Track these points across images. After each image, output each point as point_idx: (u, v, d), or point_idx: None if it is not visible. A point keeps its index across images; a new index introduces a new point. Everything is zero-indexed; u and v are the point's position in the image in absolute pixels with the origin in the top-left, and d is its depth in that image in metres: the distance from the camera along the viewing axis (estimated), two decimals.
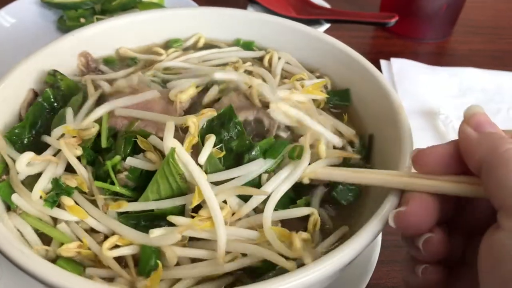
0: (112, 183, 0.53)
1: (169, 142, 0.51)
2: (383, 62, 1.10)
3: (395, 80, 1.05)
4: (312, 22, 1.13)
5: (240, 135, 0.55)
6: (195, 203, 0.50)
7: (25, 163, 0.54)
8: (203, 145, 0.53)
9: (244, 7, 1.18)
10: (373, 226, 0.49)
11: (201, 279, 0.50)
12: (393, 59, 1.10)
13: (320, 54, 0.76)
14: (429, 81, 1.05)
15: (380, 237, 0.69)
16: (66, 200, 0.53)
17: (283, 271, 0.47)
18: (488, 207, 0.43)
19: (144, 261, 0.49)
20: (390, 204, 0.50)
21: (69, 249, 0.50)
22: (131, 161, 0.53)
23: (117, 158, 0.53)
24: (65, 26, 1.12)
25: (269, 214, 0.51)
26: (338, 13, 1.14)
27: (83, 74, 0.73)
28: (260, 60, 0.79)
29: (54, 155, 0.57)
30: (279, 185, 0.54)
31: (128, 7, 1.14)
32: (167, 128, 0.52)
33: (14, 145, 0.60)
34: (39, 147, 0.59)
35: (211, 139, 0.53)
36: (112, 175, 0.53)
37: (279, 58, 0.77)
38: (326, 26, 1.14)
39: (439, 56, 1.20)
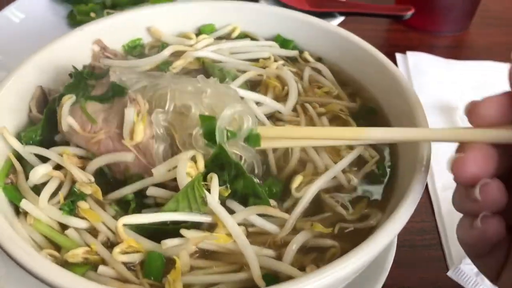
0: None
1: (183, 178, 0.52)
2: (398, 56, 1.08)
3: (411, 74, 1.02)
4: (325, 15, 1.10)
5: (243, 176, 0.54)
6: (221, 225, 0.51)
7: (40, 175, 0.55)
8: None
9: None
10: (390, 227, 0.48)
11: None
12: (409, 53, 1.07)
13: (356, 63, 0.74)
14: (447, 76, 1.03)
15: (395, 238, 0.67)
16: (81, 204, 0.53)
17: None
18: None
19: (151, 266, 0.49)
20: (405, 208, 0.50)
21: (76, 255, 0.50)
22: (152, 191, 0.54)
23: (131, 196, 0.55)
24: (75, 21, 1.11)
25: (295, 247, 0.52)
26: (352, 5, 1.11)
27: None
28: (292, 60, 0.77)
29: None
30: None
31: (138, 1, 1.12)
32: (180, 162, 0.52)
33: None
34: (45, 146, 0.58)
35: (214, 178, 0.53)
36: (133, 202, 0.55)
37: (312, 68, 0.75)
38: (340, 19, 1.11)
39: (457, 49, 1.17)
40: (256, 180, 0.57)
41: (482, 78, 1.03)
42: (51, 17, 1.13)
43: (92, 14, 1.11)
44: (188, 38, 0.76)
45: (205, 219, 0.52)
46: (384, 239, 0.48)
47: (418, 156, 0.55)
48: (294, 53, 0.77)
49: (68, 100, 0.58)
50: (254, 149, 0.57)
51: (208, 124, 0.53)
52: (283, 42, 0.78)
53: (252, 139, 0.56)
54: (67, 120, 0.56)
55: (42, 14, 1.12)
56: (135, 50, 0.76)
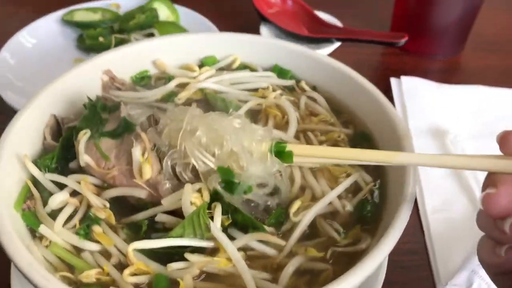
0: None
1: (188, 207, 0.56)
2: (393, 80, 1.12)
3: (405, 98, 1.06)
4: (323, 40, 1.15)
5: (239, 212, 0.58)
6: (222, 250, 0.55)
7: (58, 202, 0.59)
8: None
9: (257, 26, 1.21)
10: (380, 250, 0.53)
11: None
12: (403, 77, 1.11)
13: (348, 92, 0.78)
14: (439, 100, 1.06)
15: (386, 259, 0.71)
16: (96, 228, 0.58)
17: None
18: None
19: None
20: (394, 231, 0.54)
21: (90, 275, 0.54)
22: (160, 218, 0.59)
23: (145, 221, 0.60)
24: (84, 44, 1.16)
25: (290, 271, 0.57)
26: (349, 32, 1.16)
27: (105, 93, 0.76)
28: (290, 89, 0.82)
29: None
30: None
31: (145, 27, 1.17)
32: (185, 194, 0.57)
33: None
34: (60, 173, 0.64)
35: (218, 207, 0.57)
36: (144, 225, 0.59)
37: (308, 97, 0.79)
38: (337, 44, 1.16)
39: (450, 73, 1.21)
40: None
41: (474, 102, 1.07)
42: (61, 40, 1.18)
43: (101, 39, 1.16)
44: (191, 70, 0.81)
45: (207, 244, 0.56)
46: (373, 263, 0.52)
47: (405, 186, 0.59)
48: (291, 82, 0.82)
49: (84, 136, 0.63)
50: (266, 195, 0.61)
51: (226, 177, 0.58)
52: (281, 72, 0.83)
53: (285, 156, 0.60)
54: (84, 158, 0.61)
55: (53, 38, 1.18)
56: (142, 81, 0.81)
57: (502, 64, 1.24)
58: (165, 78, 0.81)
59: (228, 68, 0.84)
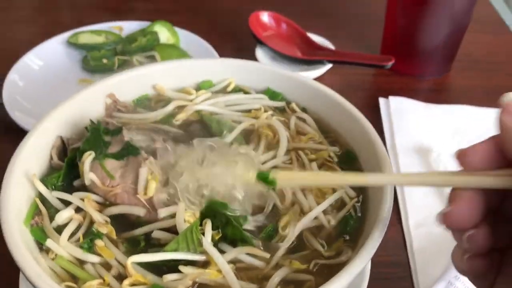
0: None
1: (181, 224, 0.62)
2: (381, 100, 1.17)
3: (392, 118, 1.11)
4: (315, 62, 1.21)
5: (231, 224, 0.63)
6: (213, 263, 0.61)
7: (64, 218, 0.65)
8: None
9: (254, 48, 1.28)
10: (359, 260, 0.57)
11: None
12: (391, 97, 1.16)
13: (333, 114, 0.83)
14: (425, 119, 1.11)
15: (369, 269, 0.76)
16: (98, 242, 0.63)
17: None
18: None
19: None
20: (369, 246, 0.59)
21: (92, 286, 0.59)
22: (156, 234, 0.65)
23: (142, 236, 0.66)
24: (89, 66, 1.22)
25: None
26: (340, 54, 1.22)
27: (108, 115, 0.81)
28: (281, 110, 0.87)
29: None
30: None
31: (146, 49, 1.23)
32: (178, 213, 0.63)
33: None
34: (66, 191, 0.69)
35: (208, 223, 0.63)
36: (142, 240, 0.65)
37: (298, 117, 0.85)
38: (329, 65, 1.22)
39: (438, 93, 1.26)
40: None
41: (459, 122, 1.11)
42: (67, 62, 1.24)
43: (104, 60, 1.22)
44: (188, 93, 0.87)
45: (200, 257, 0.61)
46: (349, 276, 0.57)
47: (383, 201, 0.64)
48: (282, 104, 0.87)
49: (89, 157, 0.68)
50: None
51: (221, 209, 0.64)
52: (273, 94, 0.88)
53: (268, 183, 0.62)
54: (90, 176, 0.67)
55: (59, 59, 1.23)
56: (143, 103, 0.86)
57: (488, 83, 1.28)
58: (164, 100, 0.86)
59: (223, 91, 0.89)
